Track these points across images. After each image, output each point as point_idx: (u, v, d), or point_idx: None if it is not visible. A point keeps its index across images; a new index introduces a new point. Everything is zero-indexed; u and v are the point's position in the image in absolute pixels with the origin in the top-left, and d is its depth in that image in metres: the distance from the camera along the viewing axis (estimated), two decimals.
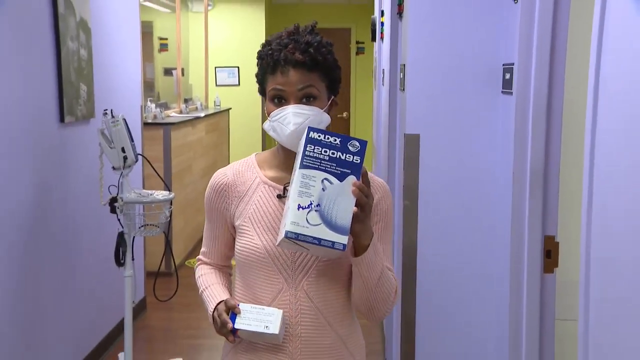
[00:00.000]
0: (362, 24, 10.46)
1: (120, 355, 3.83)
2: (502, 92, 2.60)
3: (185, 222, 6.53)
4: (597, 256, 1.54)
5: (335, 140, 1.59)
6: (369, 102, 9.63)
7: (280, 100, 1.75)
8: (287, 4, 10.66)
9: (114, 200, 3.59)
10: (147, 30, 7.17)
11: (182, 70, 8.30)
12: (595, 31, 1.53)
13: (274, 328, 1.66)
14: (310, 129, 1.60)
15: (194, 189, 6.87)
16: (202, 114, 7.62)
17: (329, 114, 1.78)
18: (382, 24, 5.00)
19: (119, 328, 4.56)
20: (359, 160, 1.59)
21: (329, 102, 1.79)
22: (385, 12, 4.62)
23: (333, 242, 1.55)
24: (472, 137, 2.68)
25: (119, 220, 3.62)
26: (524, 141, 2.32)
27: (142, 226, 3.63)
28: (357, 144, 1.60)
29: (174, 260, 4.05)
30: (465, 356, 2.77)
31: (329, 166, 1.58)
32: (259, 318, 1.68)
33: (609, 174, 1.48)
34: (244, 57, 9.89)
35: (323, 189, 1.57)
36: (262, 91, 1.82)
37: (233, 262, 1.92)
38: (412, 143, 2.71)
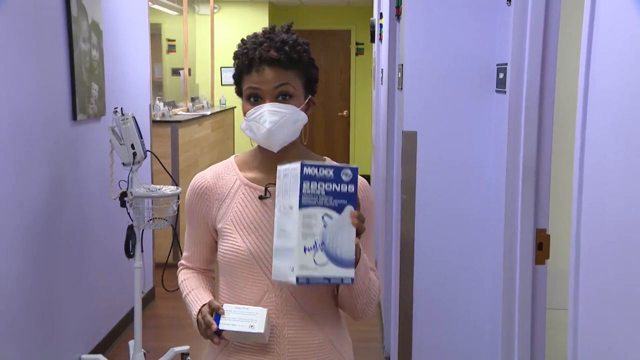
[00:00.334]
0: (361, 25, 10.44)
1: (131, 343, 3.84)
2: (496, 90, 2.60)
3: None
4: (587, 248, 1.54)
5: (329, 172, 1.49)
6: (368, 101, 9.62)
7: (256, 99, 1.68)
8: (289, 7, 10.65)
9: (124, 194, 3.60)
10: (155, 32, 7.16)
11: (189, 70, 8.29)
12: (585, 32, 1.53)
13: (259, 327, 1.59)
14: (304, 164, 1.47)
15: None
16: (208, 112, 7.62)
17: (306, 113, 1.72)
18: (381, 25, 5.00)
19: (129, 317, 4.57)
20: (353, 189, 1.51)
21: (306, 101, 1.73)
22: (384, 14, 4.62)
23: (342, 278, 1.50)
24: (467, 134, 2.68)
25: (128, 213, 3.63)
26: (516, 138, 2.32)
27: (151, 219, 3.64)
28: (350, 172, 1.51)
29: (181, 252, 4.04)
30: (460, 343, 2.78)
31: (326, 200, 1.49)
32: (244, 318, 1.61)
33: (599, 170, 1.48)
34: None
35: (324, 226, 1.48)
36: (239, 91, 1.74)
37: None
38: (410, 140, 2.71)
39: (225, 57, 10.06)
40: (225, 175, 1.77)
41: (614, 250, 1.38)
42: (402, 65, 2.83)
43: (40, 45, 3.38)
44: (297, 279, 1.45)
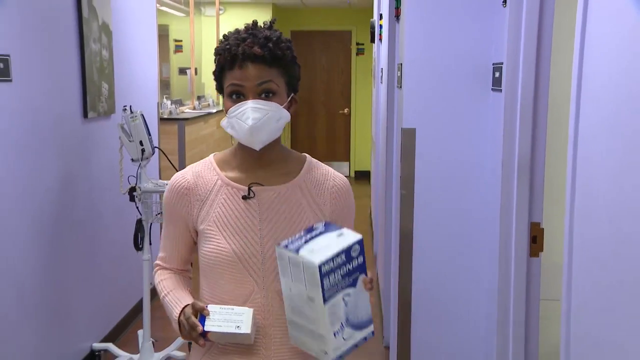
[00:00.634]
0: (362, 26, 10.43)
1: (140, 332, 3.85)
2: (492, 89, 2.59)
3: None
4: (579, 241, 1.54)
5: (341, 258, 1.42)
6: (369, 99, 9.62)
7: (238, 96, 1.58)
8: (291, 8, 10.63)
9: (132, 189, 3.61)
10: (163, 33, 7.15)
11: (196, 69, 8.29)
12: (578, 33, 1.53)
13: (246, 328, 1.52)
14: (320, 264, 1.38)
15: None
16: (214, 110, 7.62)
17: (289, 111, 1.63)
18: (381, 26, 4.99)
19: (138, 307, 4.57)
20: (362, 260, 1.47)
21: (289, 99, 1.64)
22: (383, 15, 4.61)
23: (365, 337, 1.50)
24: (464, 131, 2.68)
25: (137, 208, 3.63)
26: (512, 135, 2.32)
27: (159, 213, 3.64)
28: (357, 247, 1.45)
29: None
30: (457, 333, 2.78)
31: (344, 283, 1.44)
32: (229, 318, 1.53)
33: (591, 165, 1.48)
34: None
35: (346, 305, 1.45)
36: (220, 88, 1.65)
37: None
38: (409, 136, 2.71)
39: None
40: (205, 174, 1.67)
41: (606, 243, 1.38)
42: (402, 64, 2.82)
43: (53, 46, 3.38)
44: None
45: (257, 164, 1.66)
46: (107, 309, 4.19)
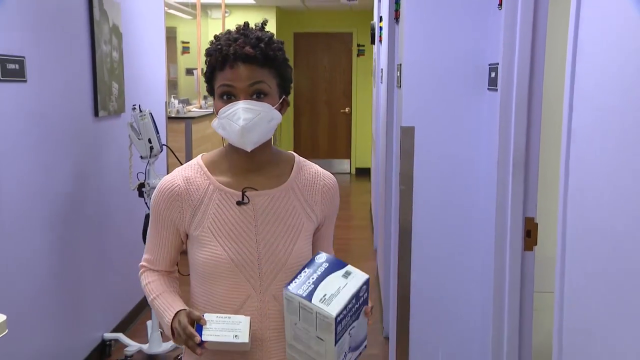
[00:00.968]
0: (362, 28, 10.41)
1: (148, 323, 3.86)
2: (488, 88, 2.59)
3: None
4: (572, 235, 1.54)
5: (352, 302, 1.39)
6: (369, 99, 9.61)
7: (229, 96, 1.51)
8: (294, 11, 10.62)
9: (141, 185, 3.61)
10: (171, 35, 7.15)
11: (202, 70, 8.29)
12: (571, 34, 1.53)
13: (244, 337, 1.45)
14: (337, 316, 1.35)
15: None
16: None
17: (280, 113, 1.56)
18: (381, 28, 4.98)
19: (146, 299, 4.58)
20: (366, 296, 1.44)
21: (280, 101, 1.56)
22: (383, 17, 4.61)
23: (360, 353, 1.49)
24: (461, 129, 2.67)
25: (146, 203, 3.64)
26: (507, 132, 2.32)
27: None
28: (365, 287, 1.42)
29: None
30: (454, 323, 2.78)
31: (351, 321, 1.41)
32: (227, 327, 1.46)
33: (583, 162, 1.48)
34: None
35: (350, 336, 1.43)
36: (211, 90, 1.57)
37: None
38: (408, 134, 2.71)
39: None
40: (195, 179, 1.58)
41: (597, 237, 1.38)
42: (401, 65, 2.82)
43: (66, 48, 3.39)
44: None
45: (248, 167, 1.59)
46: (118, 300, 4.20)
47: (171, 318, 1.53)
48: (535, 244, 2.32)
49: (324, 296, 1.38)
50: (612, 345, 1.30)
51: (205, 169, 1.59)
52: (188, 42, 8.19)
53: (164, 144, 3.85)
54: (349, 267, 1.45)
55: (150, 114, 3.62)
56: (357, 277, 1.43)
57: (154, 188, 3.60)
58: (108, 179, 3.97)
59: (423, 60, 2.68)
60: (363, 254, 5.98)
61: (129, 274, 4.34)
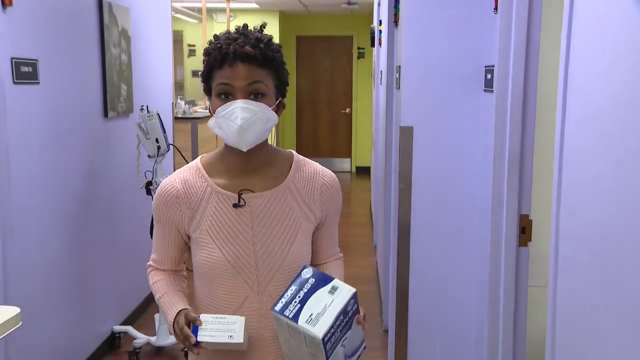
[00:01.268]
0: (362, 32, 10.41)
1: (156, 316, 3.86)
2: (484, 90, 2.59)
3: None
4: (565, 231, 1.55)
5: (340, 318, 1.35)
6: (369, 100, 9.60)
7: (227, 95, 1.46)
8: (297, 15, 10.61)
9: (149, 183, 3.61)
10: (177, 38, 7.15)
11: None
12: (564, 37, 1.53)
13: (238, 337, 1.42)
14: (324, 337, 1.32)
15: None
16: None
17: (276, 114, 1.51)
18: (380, 31, 4.98)
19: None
20: (356, 307, 1.40)
21: (277, 103, 1.52)
22: (383, 21, 4.60)
23: (359, 355, 1.46)
24: (458, 129, 2.67)
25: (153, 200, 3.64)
26: (502, 132, 2.32)
27: None
28: (352, 301, 1.38)
29: None
30: (451, 316, 2.78)
31: (342, 335, 1.37)
32: (222, 328, 1.43)
33: (576, 161, 1.48)
34: None
35: (344, 347, 1.39)
36: (208, 89, 1.52)
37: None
38: (407, 134, 2.71)
39: None
40: (194, 181, 1.55)
41: (590, 233, 1.39)
42: (400, 66, 2.82)
43: (77, 51, 3.39)
44: None
45: (245, 168, 1.54)
46: (127, 294, 4.21)
47: (173, 317, 1.51)
48: (530, 240, 2.32)
49: (310, 316, 1.34)
50: (604, 337, 1.30)
51: (203, 171, 1.56)
52: (194, 45, 8.19)
53: (170, 144, 3.85)
54: (335, 282, 1.40)
55: (158, 114, 3.63)
56: (343, 292, 1.38)
57: None
58: (117, 177, 3.98)
59: (421, 62, 2.68)
60: (363, 250, 5.98)
61: (137, 269, 4.35)
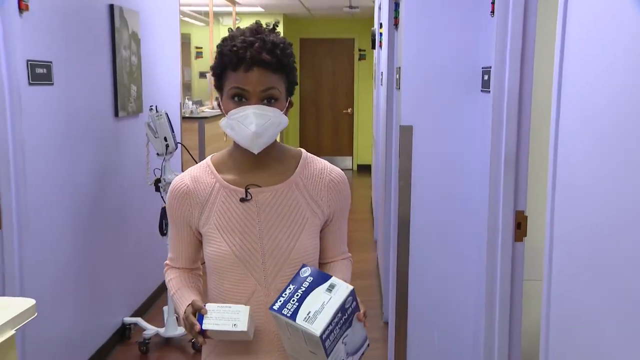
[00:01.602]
0: (364, 34, 10.40)
1: (165, 309, 3.87)
2: (481, 90, 2.59)
3: None
4: (559, 227, 1.55)
5: (338, 315, 1.34)
6: (370, 100, 9.60)
7: (240, 98, 1.45)
8: (300, 19, 10.60)
9: (158, 180, 3.62)
10: (185, 40, 7.16)
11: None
12: (559, 40, 1.53)
13: (242, 325, 1.40)
14: (322, 334, 1.30)
15: None
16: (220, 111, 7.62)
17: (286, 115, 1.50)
18: (381, 34, 4.98)
19: (163, 286, 4.60)
20: (355, 305, 1.38)
21: (287, 104, 1.51)
22: (383, 24, 4.60)
23: (363, 352, 1.43)
24: (456, 128, 2.67)
25: (162, 197, 3.65)
26: (499, 131, 2.32)
27: None
28: (350, 299, 1.36)
29: None
30: (449, 309, 2.79)
31: (342, 332, 1.35)
32: (226, 317, 1.41)
33: (570, 159, 1.49)
34: None
35: (345, 344, 1.36)
36: (219, 86, 1.51)
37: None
38: (406, 133, 2.71)
39: None
40: (203, 178, 1.55)
41: (583, 229, 1.39)
42: (400, 68, 2.82)
43: (89, 53, 3.40)
44: None
45: (253, 165, 1.54)
46: (137, 287, 4.22)
47: (184, 310, 1.50)
48: (525, 236, 2.32)
49: (307, 314, 1.32)
50: (597, 329, 1.30)
51: (213, 168, 1.55)
52: (201, 48, 8.20)
53: (178, 142, 3.86)
54: (333, 280, 1.38)
55: (166, 114, 3.63)
56: (340, 289, 1.36)
57: (169, 183, 3.61)
58: (127, 174, 3.99)
59: (421, 63, 2.68)
60: (364, 244, 5.99)
61: (147, 263, 4.37)
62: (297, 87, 1.61)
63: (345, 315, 1.35)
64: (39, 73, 2.82)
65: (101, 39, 3.58)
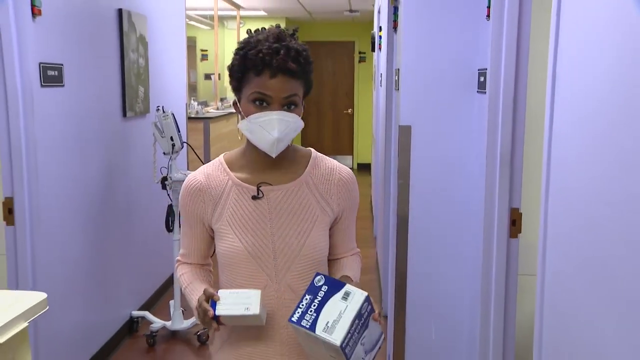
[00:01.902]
0: (363, 37, 10.39)
1: (171, 303, 3.88)
2: (477, 91, 2.59)
3: None
4: (553, 224, 1.55)
5: (356, 322, 1.32)
6: (369, 101, 9.60)
7: (261, 102, 1.43)
8: (302, 22, 10.60)
9: (164, 179, 3.63)
10: (191, 43, 7.16)
11: (219, 75, 8.30)
12: (552, 42, 1.53)
13: (255, 309, 1.38)
14: (342, 344, 1.28)
15: None
16: (235, 110, 7.63)
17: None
18: (380, 37, 4.98)
19: (170, 281, 4.61)
20: (370, 307, 1.36)
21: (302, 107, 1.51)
22: (383, 27, 4.60)
23: (379, 347, 1.41)
24: (453, 128, 2.67)
25: (168, 195, 3.66)
26: (494, 131, 2.32)
27: None
28: (367, 305, 1.34)
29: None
30: (446, 302, 2.79)
31: (360, 336, 1.34)
32: (238, 301, 1.39)
33: (564, 158, 1.49)
34: None
35: (363, 345, 1.35)
36: (239, 88, 1.48)
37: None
38: (405, 133, 2.72)
39: None
40: (216, 175, 1.54)
41: (576, 225, 1.39)
42: (399, 69, 2.82)
43: (98, 56, 3.40)
44: None
45: (265, 165, 1.53)
46: (144, 282, 4.23)
47: (196, 302, 1.49)
48: (520, 232, 2.32)
49: (326, 324, 1.31)
50: (590, 323, 1.31)
51: (226, 166, 1.55)
52: (206, 50, 8.20)
53: (184, 142, 3.87)
54: (347, 287, 1.37)
55: (172, 114, 3.64)
56: (356, 297, 1.35)
57: (176, 181, 3.62)
58: (135, 173, 3.99)
59: (419, 65, 2.68)
60: (364, 241, 5.99)
61: (154, 259, 4.37)
62: None
63: (362, 320, 1.34)
64: (51, 75, 2.83)
65: (110, 42, 3.59)
